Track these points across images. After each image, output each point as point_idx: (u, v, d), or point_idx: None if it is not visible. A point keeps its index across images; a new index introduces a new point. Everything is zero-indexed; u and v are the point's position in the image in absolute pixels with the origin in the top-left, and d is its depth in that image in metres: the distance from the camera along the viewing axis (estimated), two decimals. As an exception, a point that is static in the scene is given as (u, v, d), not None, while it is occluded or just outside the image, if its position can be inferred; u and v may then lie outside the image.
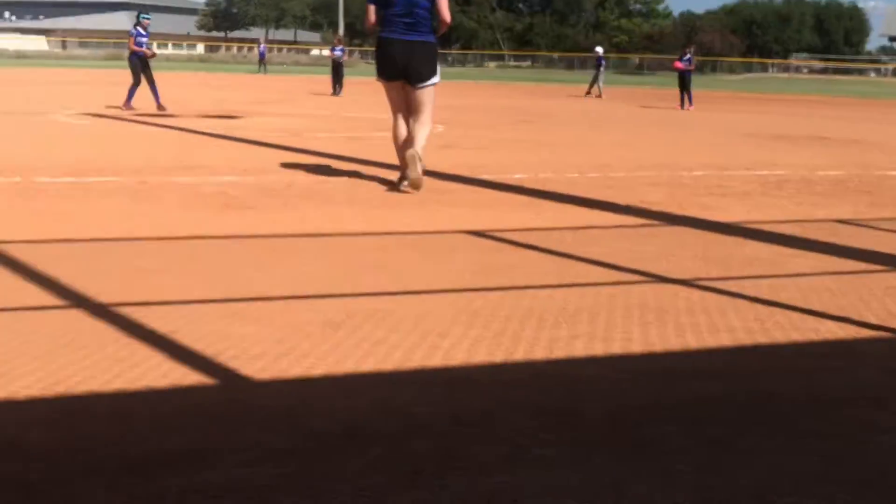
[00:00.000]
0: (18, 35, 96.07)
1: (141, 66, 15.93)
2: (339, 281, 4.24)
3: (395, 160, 7.34)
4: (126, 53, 17.75)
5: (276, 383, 2.88)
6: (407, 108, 7.16)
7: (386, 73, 7.10)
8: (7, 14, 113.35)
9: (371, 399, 2.77)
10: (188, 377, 2.90)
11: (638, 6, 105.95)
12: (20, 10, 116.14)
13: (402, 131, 7.15)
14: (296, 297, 3.93)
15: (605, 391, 2.93)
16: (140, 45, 16.11)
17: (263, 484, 2.17)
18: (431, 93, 7.12)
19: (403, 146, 7.01)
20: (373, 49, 8.16)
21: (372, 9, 7.14)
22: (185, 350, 3.15)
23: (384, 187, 7.23)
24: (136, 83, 15.77)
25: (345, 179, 7.68)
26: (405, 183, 7.01)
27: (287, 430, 2.51)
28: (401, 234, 5.47)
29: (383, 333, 3.40)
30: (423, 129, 7.06)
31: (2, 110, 14.16)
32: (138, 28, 16.26)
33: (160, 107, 15.40)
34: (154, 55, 16.77)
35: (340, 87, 24.28)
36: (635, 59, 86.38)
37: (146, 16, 16.59)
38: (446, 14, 7.07)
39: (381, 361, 3.09)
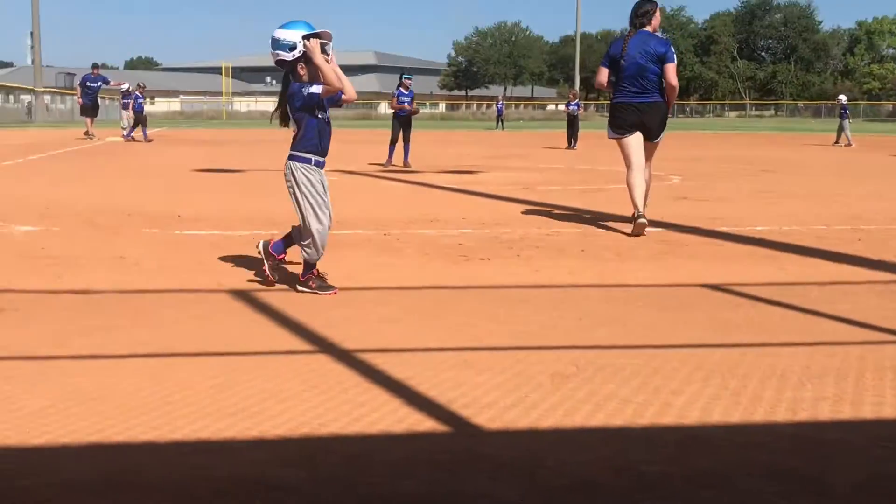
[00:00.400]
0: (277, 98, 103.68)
1: (401, 124, 16.77)
2: (570, 333, 4.24)
3: (626, 211, 7.37)
4: (390, 112, 18.74)
5: (505, 434, 2.91)
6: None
7: (622, 129, 7.63)
8: (268, 79, 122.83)
9: (600, 454, 2.74)
10: (422, 423, 2.99)
11: (891, 50, 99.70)
12: (279, 74, 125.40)
13: (638, 179, 7.56)
14: (527, 348, 3.96)
15: (854, 458, 2.74)
16: (402, 103, 16.98)
17: (491, 533, 2.19)
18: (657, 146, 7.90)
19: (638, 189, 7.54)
20: (607, 103, 8.44)
21: (604, 72, 7.78)
22: (420, 396, 3.25)
23: (618, 240, 7.17)
24: (394, 140, 16.62)
25: (578, 231, 7.69)
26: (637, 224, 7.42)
27: (515, 481, 2.52)
28: (634, 287, 5.40)
29: (614, 387, 3.35)
30: (648, 179, 7.72)
31: (262, 167, 15.33)
32: (400, 88, 17.15)
33: (406, 164, 16.15)
34: (417, 111, 17.49)
35: (575, 140, 24.41)
36: (888, 105, 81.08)
37: (408, 76, 17.45)
38: (673, 79, 7.52)
39: (611, 416, 3.05)
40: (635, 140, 7.58)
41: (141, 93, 25.23)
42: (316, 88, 4.98)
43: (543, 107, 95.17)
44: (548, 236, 7.42)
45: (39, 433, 2.84)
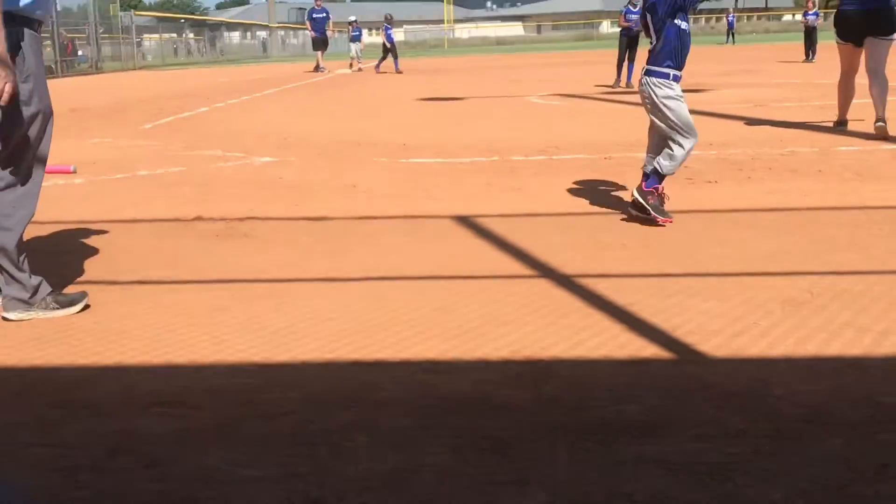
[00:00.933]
0: (499, 22, 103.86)
1: (627, 43, 16.35)
2: (804, 258, 4.03)
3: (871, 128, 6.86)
4: (612, 31, 18.36)
5: (733, 361, 2.83)
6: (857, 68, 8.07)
7: (842, 35, 8.04)
8: (489, 4, 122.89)
9: (834, 384, 2.61)
10: (645, 349, 2.96)
11: None
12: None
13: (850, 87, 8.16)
14: (757, 274, 3.81)
15: None
16: (629, 21, 16.52)
17: (717, 461, 2.15)
18: (886, 51, 7.86)
19: (847, 97, 8.21)
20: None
21: None
22: (643, 323, 3.22)
23: (859, 158, 6.70)
24: (621, 60, 16.25)
25: (815, 150, 7.25)
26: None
27: (743, 409, 2.46)
28: (876, 209, 5.03)
29: (851, 315, 3.17)
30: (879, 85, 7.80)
31: (483, 94, 15.44)
32: (628, 5, 16.70)
33: (629, 84, 15.75)
34: (636, 28, 16.81)
35: (814, 52, 22.83)
36: None
37: None
38: None
39: (848, 345, 2.89)
40: (847, 49, 8.02)
41: (389, 24, 25.64)
42: None
43: (779, 17, 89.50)
44: (781, 156, 7.04)
45: (282, 351, 3.06)
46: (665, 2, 4.72)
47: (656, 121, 4.90)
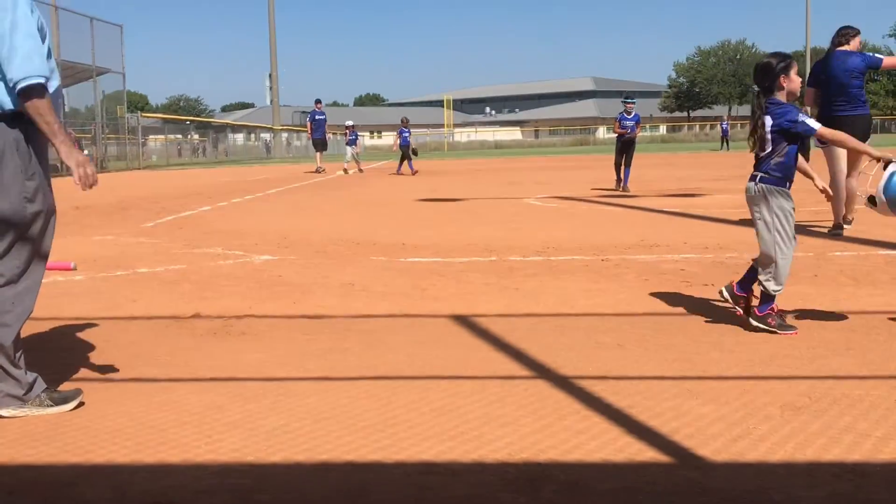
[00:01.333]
0: (497, 127, 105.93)
1: (622, 148, 16.72)
2: (801, 362, 4.03)
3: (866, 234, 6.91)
4: (607, 137, 18.77)
5: (732, 466, 2.80)
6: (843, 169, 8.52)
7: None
8: (488, 109, 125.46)
9: (835, 490, 2.57)
10: (644, 453, 2.93)
11: None
12: (498, 104, 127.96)
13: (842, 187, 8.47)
14: (755, 378, 3.80)
15: None
16: (624, 128, 16.91)
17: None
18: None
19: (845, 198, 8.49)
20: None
21: (811, 91, 8.85)
22: (641, 426, 3.19)
23: (854, 264, 6.75)
24: (618, 164, 16.58)
25: (811, 255, 7.30)
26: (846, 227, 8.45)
27: (742, 515, 2.42)
28: (873, 314, 5.05)
29: (850, 420, 3.15)
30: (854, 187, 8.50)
31: (481, 196, 15.63)
32: (623, 113, 17.10)
33: (625, 188, 16.00)
34: (630, 134, 16.88)
35: (807, 160, 23.20)
36: None
37: (630, 100, 17.36)
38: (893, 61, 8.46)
39: (848, 451, 2.87)
40: (838, 151, 8.28)
41: (406, 127, 25.95)
42: (812, 123, 4.78)
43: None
44: (776, 260, 7.08)
45: (276, 450, 3.02)
46: (793, 122, 4.71)
47: (763, 230, 4.80)
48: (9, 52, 3.29)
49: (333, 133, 35.84)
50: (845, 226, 8.60)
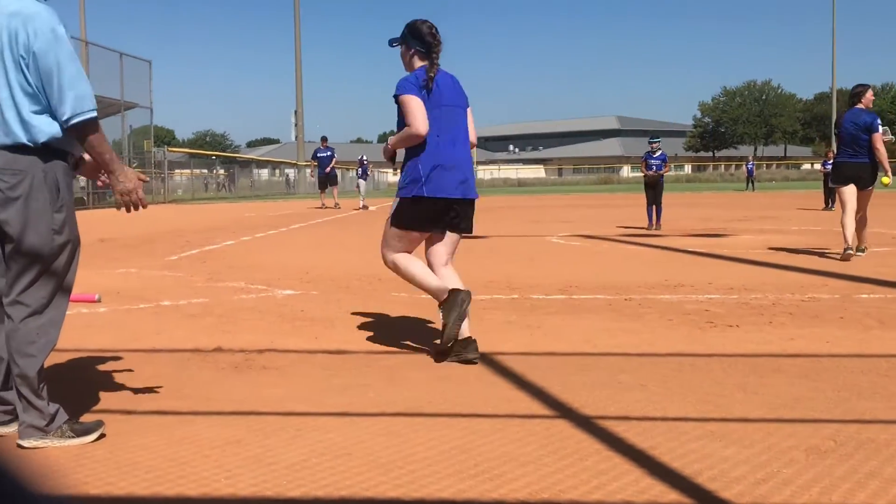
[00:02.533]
0: (521, 165, 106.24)
1: (650, 187, 16.72)
2: (827, 405, 3.97)
3: (893, 276, 6.81)
4: (632, 176, 18.78)
5: (755, 510, 2.75)
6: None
7: (840, 181, 10.48)
8: (511, 147, 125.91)
9: (862, 538, 2.52)
10: (666, 495, 2.89)
11: None
12: (522, 142, 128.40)
13: (849, 219, 10.30)
14: (779, 421, 3.75)
15: None
16: (650, 168, 16.95)
17: None
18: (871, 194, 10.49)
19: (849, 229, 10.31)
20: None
21: (836, 138, 10.72)
22: (663, 467, 3.15)
23: (881, 306, 6.68)
24: (649, 203, 16.58)
25: (836, 297, 7.23)
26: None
27: (766, 561, 2.37)
28: (900, 358, 4.98)
29: (876, 465, 3.10)
30: (864, 220, 10.61)
31: (504, 233, 15.64)
32: (648, 153, 17.16)
33: (657, 227, 16.03)
34: (655, 175, 16.91)
35: (833, 201, 23.09)
36: None
37: (655, 139, 17.44)
38: (878, 143, 10.11)
39: (873, 496, 2.81)
40: (850, 190, 10.34)
41: None
42: None
43: (798, 166, 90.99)
44: (803, 302, 7.03)
45: (295, 486, 3.01)
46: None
47: None
48: (59, 89, 3.35)
49: (348, 168, 35.97)
50: (858, 254, 10.45)
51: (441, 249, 5.27)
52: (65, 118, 3.36)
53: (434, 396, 4.24)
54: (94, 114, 3.42)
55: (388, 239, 5.33)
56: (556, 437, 3.54)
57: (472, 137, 5.36)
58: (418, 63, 5.15)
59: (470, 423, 3.78)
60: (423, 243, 5.34)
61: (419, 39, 5.15)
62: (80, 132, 3.40)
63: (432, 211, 5.12)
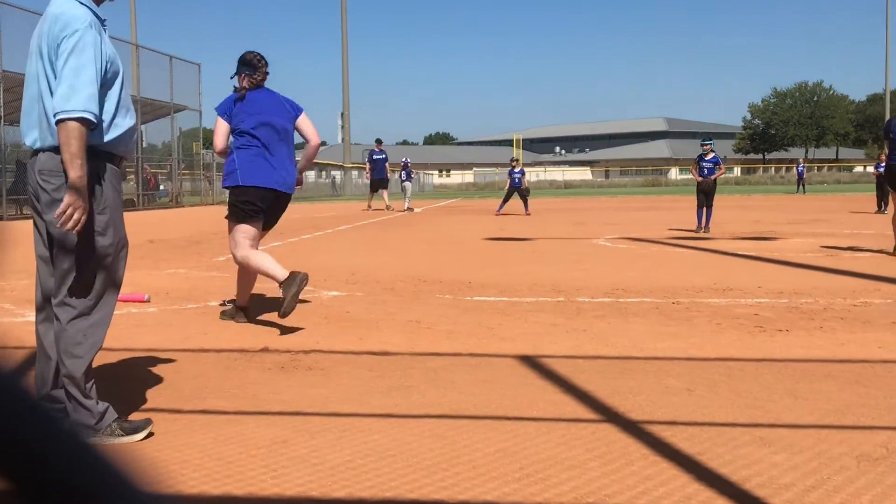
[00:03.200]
0: (566, 167, 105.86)
1: (700, 190, 16.47)
2: (879, 412, 3.89)
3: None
4: (680, 178, 18.53)
5: (805, 518, 2.70)
6: None
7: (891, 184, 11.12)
8: (557, 149, 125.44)
9: (917, 548, 2.47)
10: (714, 501, 2.85)
11: None
12: (568, 144, 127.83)
13: None
14: (830, 427, 3.68)
15: None
16: (701, 171, 16.69)
17: None
18: None
19: None
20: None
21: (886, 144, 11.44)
22: (711, 473, 3.11)
23: (937, 311, 6.53)
24: (700, 205, 16.37)
25: (889, 302, 7.09)
26: None
27: (817, 570, 2.33)
28: (957, 365, 4.87)
29: (932, 475, 3.02)
30: None
31: (549, 236, 15.57)
32: (701, 155, 16.93)
33: (706, 230, 15.83)
34: (708, 181, 16.72)
35: (886, 204, 22.68)
36: None
37: (707, 141, 17.12)
38: None
39: (930, 507, 2.75)
40: None
41: (515, 167, 24.92)
42: None
43: (850, 169, 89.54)
44: (854, 307, 6.90)
45: (340, 486, 3.02)
46: None
47: None
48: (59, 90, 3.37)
49: (392, 171, 35.98)
50: None
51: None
52: (53, 114, 3.36)
53: (478, 399, 4.23)
54: (82, 115, 3.35)
55: (234, 236, 6.30)
56: (602, 441, 3.52)
57: (314, 138, 6.54)
58: (247, 83, 6.28)
59: (515, 425, 3.77)
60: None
61: (246, 65, 6.30)
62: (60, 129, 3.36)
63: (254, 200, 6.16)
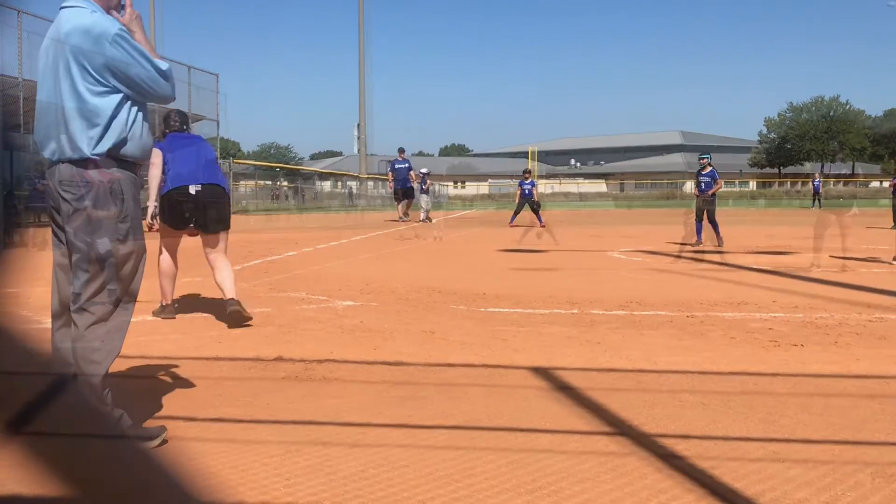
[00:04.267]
0: (581, 179, 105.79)
1: (700, 203, 16.45)
2: (894, 428, 3.87)
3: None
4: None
5: (819, 534, 2.69)
6: None
7: None
8: (572, 161, 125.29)
9: (931, 566, 2.45)
10: (726, 515, 2.84)
11: None
12: (583, 156, 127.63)
13: None
14: (844, 443, 3.66)
15: None
16: (699, 186, 16.69)
17: None
18: None
19: None
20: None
21: None
22: (724, 487, 3.10)
23: (954, 328, 6.49)
24: (698, 219, 16.33)
25: (906, 318, 7.05)
26: None
27: (830, 586, 2.32)
28: (973, 381, 4.83)
29: (948, 492, 3.00)
30: None
31: (564, 248, 15.56)
32: (698, 170, 16.92)
33: (718, 242, 15.78)
34: (704, 197, 16.74)
35: (903, 218, 22.53)
36: None
37: (704, 155, 17.14)
38: None
39: (945, 524, 2.73)
40: None
41: (527, 178, 24.77)
42: None
43: (866, 184, 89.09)
44: (870, 322, 6.86)
45: (352, 496, 3.02)
46: None
47: None
48: None
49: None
50: None
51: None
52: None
53: (492, 410, 4.23)
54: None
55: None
56: (615, 454, 3.51)
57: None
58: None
59: (528, 437, 3.77)
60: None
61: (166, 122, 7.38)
62: None
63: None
